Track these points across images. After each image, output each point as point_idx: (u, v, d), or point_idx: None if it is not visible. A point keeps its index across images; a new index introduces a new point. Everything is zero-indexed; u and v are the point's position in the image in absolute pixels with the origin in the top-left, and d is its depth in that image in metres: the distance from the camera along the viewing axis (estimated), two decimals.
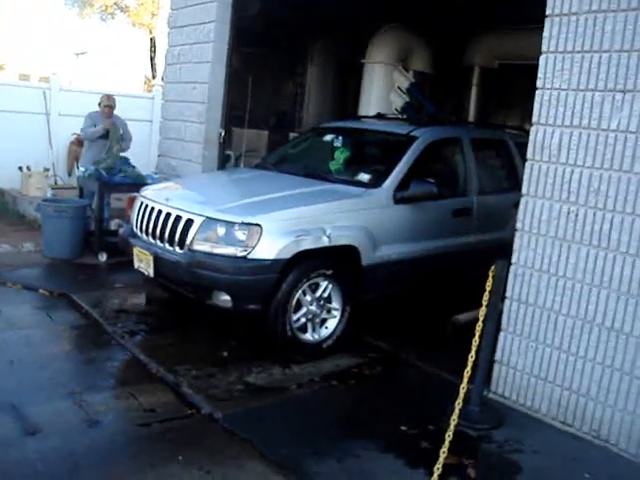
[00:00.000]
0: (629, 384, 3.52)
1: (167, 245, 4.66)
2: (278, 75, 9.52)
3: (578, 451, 3.60)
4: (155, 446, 3.36)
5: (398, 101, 8.40)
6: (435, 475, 3.07)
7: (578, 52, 3.68)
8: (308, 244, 4.41)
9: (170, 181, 6.18)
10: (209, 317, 5.11)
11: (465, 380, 3.57)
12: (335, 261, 4.65)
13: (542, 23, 3.87)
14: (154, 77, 20.04)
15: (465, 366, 3.59)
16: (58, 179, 9.99)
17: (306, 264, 4.47)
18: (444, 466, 3.12)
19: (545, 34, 3.84)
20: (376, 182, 5.09)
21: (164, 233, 4.69)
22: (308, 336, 4.62)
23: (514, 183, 6.11)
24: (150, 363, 4.34)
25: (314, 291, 4.60)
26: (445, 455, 3.16)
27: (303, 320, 4.57)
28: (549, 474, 3.40)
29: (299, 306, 4.54)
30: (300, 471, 3.21)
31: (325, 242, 4.48)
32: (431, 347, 5.02)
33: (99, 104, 7.61)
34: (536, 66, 3.91)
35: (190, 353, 4.55)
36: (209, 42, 7.01)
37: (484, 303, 3.72)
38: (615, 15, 3.50)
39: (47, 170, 9.85)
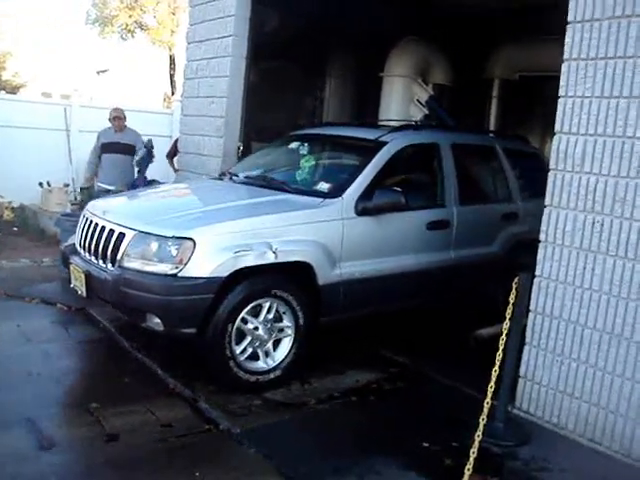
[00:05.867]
0: None
1: (100, 262, 4.26)
2: (297, 89, 9.50)
3: (608, 470, 3.46)
4: (172, 462, 3.29)
5: (418, 114, 8.36)
6: None
7: (602, 59, 3.61)
8: (249, 261, 3.94)
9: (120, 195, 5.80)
10: None
11: (489, 395, 3.47)
12: (285, 281, 4.19)
13: (563, 33, 3.80)
14: (173, 94, 20.23)
15: (488, 381, 3.50)
16: (78, 195, 10.05)
17: (249, 283, 4.03)
18: None
19: (567, 41, 3.77)
20: (336, 192, 4.56)
21: (97, 249, 4.30)
22: (261, 364, 4.18)
23: (503, 193, 5.85)
24: (167, 378, 4.28)
25: (258, 315, 4.12)
26: (470, 472, 3.07)
27: (250, 349, 4.14)
28: None
29: (242, 333, 4.08)
30: None
31: (270, 258, 4.00)
32: (452, 362, 4.89)
33: (109, 119, 7.67)
34: (558, 77, 3.83)
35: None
36: (227, 56, 7.01)
37: (507, 316, 3.62)
38: None
39: (67, 186, 9.94)
